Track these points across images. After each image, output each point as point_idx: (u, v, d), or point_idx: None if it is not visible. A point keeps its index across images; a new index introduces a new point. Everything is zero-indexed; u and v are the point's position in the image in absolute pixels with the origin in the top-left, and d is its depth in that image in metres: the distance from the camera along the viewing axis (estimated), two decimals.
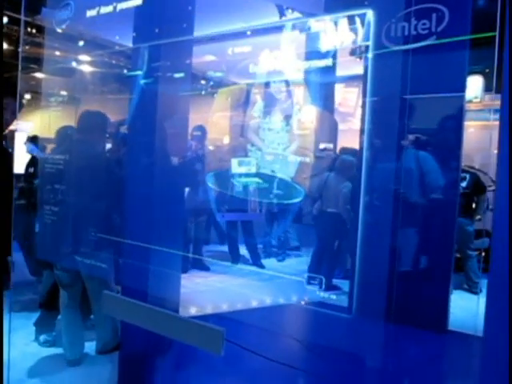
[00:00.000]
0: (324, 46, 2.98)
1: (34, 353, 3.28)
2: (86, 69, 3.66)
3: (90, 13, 2.71)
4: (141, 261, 2.39)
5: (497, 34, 1.13)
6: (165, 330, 1.60)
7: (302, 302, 2.91)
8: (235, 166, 2.35)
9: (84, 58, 3.55)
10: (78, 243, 2.79)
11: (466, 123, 3.23)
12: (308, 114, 3.31)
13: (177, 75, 2.50)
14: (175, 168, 2.72)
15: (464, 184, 4.23)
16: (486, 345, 1.23)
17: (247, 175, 2.31)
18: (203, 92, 4.51)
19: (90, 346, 3.26)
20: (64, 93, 3.56)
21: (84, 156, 2.93)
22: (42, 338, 3.44)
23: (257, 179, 2.29)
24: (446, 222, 2.64)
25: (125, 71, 3.06)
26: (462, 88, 2.58)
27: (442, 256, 2.66)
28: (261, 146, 2.38)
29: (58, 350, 3.29)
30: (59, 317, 3.44)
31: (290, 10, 4.35)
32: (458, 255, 4.41)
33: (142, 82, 2.43)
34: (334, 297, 2.24)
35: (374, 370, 2.15)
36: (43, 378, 2.98)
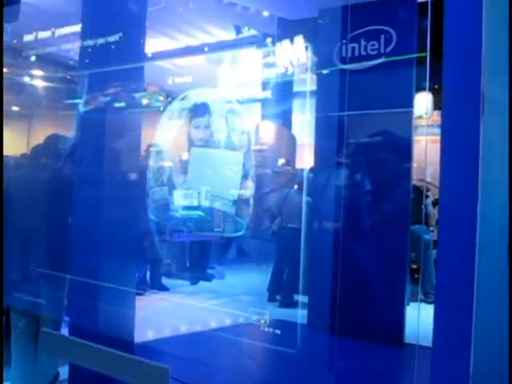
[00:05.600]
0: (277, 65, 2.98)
1: None
2: (38, 84, 3.54)
3: (28, 38, 2.66)
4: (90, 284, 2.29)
5: (427, 54, 1.16)
6: (106, 368, 1.49)
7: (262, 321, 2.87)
8: (178, 199, 2.25)
9: (36, 73, 3.44)
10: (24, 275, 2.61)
11: (417, 138, 3.32)
12: (264, 131, 3.31)
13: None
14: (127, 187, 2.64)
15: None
16: (434, 354, 1.22)
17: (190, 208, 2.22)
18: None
19: None
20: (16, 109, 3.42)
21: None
22: None
23: (199, 212, 2.21)
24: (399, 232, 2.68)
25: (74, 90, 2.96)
26: (410, 104, 2.67)
27: (396, 267, 2.69)
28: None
29: None
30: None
31: (246, 28, 4.38)
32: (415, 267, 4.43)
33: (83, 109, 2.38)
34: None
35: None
36: None
